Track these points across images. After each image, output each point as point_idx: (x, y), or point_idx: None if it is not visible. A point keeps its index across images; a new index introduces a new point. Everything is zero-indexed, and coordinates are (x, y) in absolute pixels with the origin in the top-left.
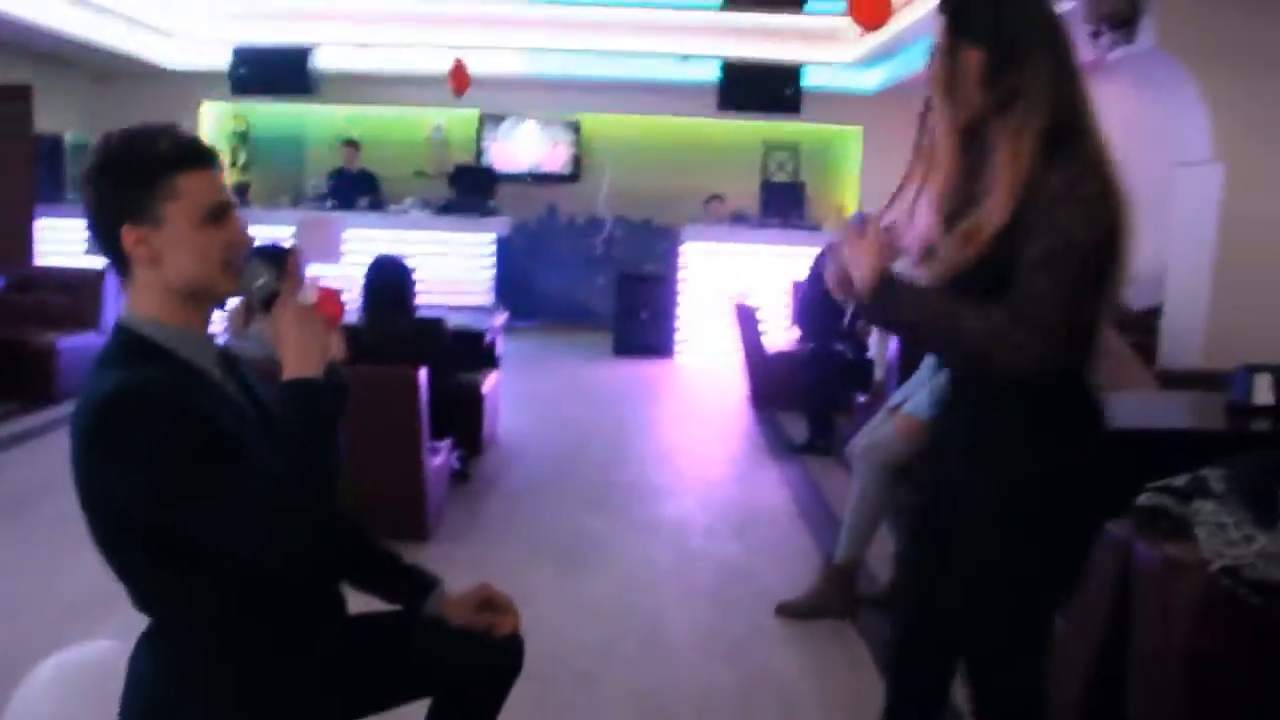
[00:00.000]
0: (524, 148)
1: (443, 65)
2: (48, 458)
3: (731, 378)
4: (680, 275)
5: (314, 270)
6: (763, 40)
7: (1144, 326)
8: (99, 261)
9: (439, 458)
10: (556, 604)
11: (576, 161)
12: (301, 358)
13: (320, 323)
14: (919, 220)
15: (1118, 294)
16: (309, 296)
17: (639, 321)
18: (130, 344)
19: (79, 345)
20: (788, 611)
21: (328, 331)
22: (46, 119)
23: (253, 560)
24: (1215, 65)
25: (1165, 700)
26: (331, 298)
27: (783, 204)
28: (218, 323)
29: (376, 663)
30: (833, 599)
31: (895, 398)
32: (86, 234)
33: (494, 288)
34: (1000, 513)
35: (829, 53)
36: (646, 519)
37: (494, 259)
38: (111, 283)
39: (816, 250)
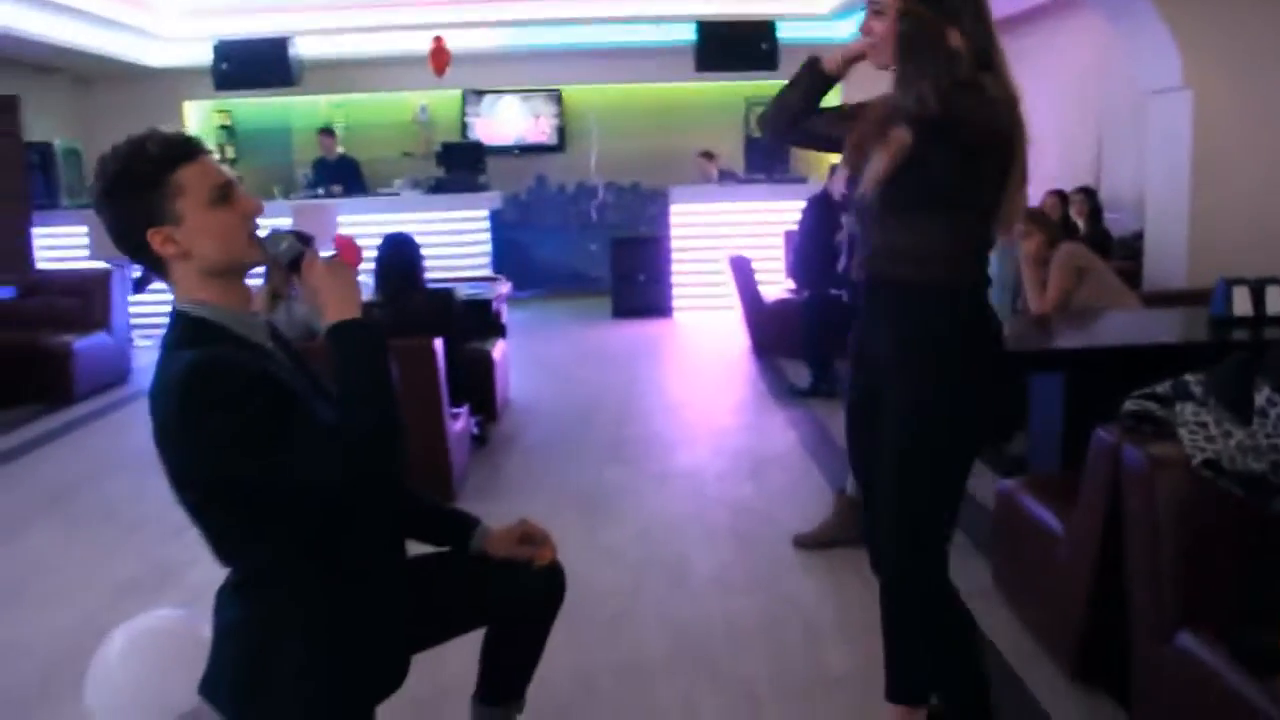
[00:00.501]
0: (508, 121)
1: (422, 46)
2: (77, 454)
3: (732, 331)
4: (673, 235)
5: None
6: None
7: (1130, 250)
8: (101, 263)
9: (459, 423)
10: (584, 551)
11: (561, 131)
12: (340, 302)
13: (348, 268)
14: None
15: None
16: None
17: (636, 283)
18: (188, 327)
19: (93, 345)
20: (804, 543)
21: (354, 276)
22: (35, 128)
23: (335, 484)
24: None
25: (1159, 590)
26: (349, 245)
27: (767, 159)
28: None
29: (436, 597)
30: (846, 529)
31: None
32: (96, 245)
33: (491, 261)
34: (903, 392)
35: (800, 5)
36: (662, 469)
37: (488, 233)
38: (119, 282)
39: (804, 202)
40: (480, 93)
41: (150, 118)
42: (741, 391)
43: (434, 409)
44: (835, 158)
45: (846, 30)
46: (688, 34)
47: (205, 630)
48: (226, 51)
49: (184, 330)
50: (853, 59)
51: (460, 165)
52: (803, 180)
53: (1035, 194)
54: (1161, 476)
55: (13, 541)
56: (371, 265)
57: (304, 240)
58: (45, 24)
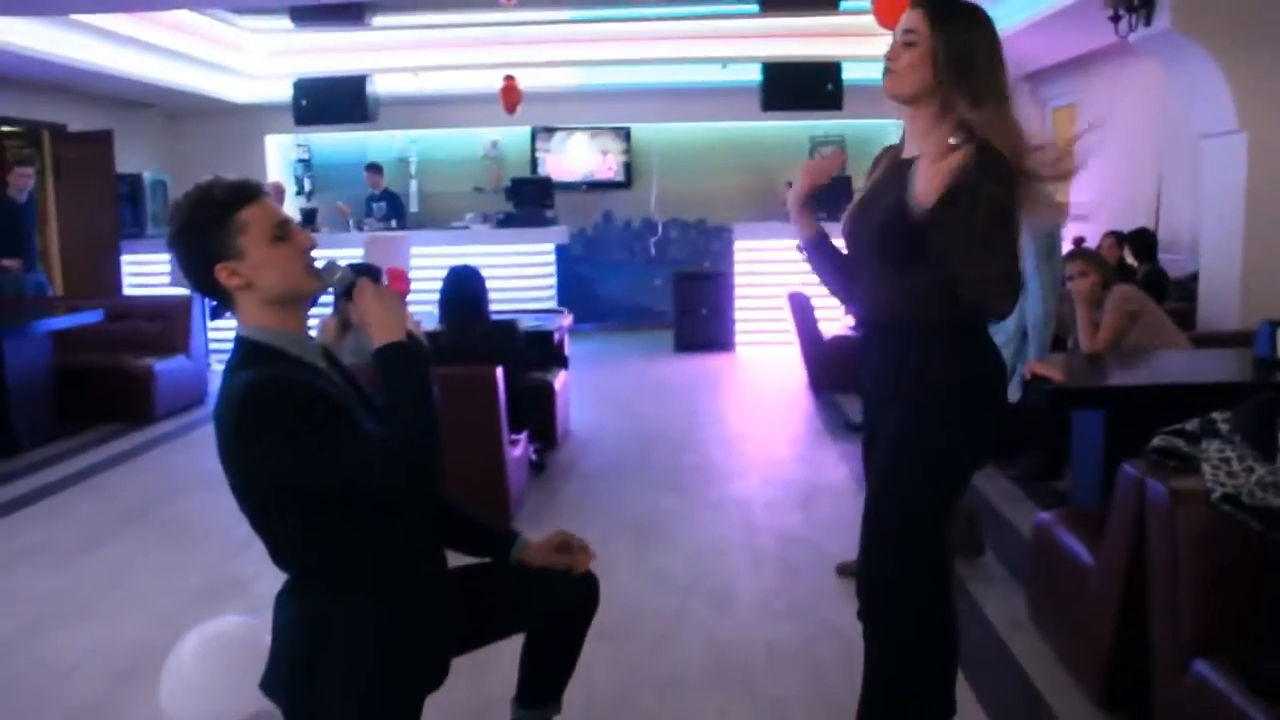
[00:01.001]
0: (576, 158)
1: (494, 84)
2: (156, 470)
3: (792, 366)
4: (736, 271)
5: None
6: (801, 40)
7: (1186, 292)
8: (183, 290)
9: (518, 449)
10: (635, 574)
11: (628, 168)
12: (386, 327)
13: (396, 296)
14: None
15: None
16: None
17: (698, 318)
18: (251, 351)
19: (173, 368)
20: (847, 571)
21: (401, 303)
22: (126, 160)
23: (380, 488)
24: (1231, 41)
25: (1177, 620)
26: (400, 276)
27: (831, 198)
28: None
29: (477, 603)
30: None
31: None
32: (176, 272)
33: (556, 294)
34: (899, 426)
35: (864, 47)
36: (715, 498)
37: (554, 266)
38: (198, 309)
39: None
40: (550, 129)
41: (234, 151)
42: (798, 425)
43: (493, 434)
44: None
45: None
46: (754, 75)
47: (268, 636)
48: (306, 89)
49: (245, 354)
50: (805, 197)
51: (529, 200)
52: None
53: (1093, 236)
54: (1182, 510)
55: (95, 551)
56: (436, 296)
57: (363, 272)
58: (140, 64)
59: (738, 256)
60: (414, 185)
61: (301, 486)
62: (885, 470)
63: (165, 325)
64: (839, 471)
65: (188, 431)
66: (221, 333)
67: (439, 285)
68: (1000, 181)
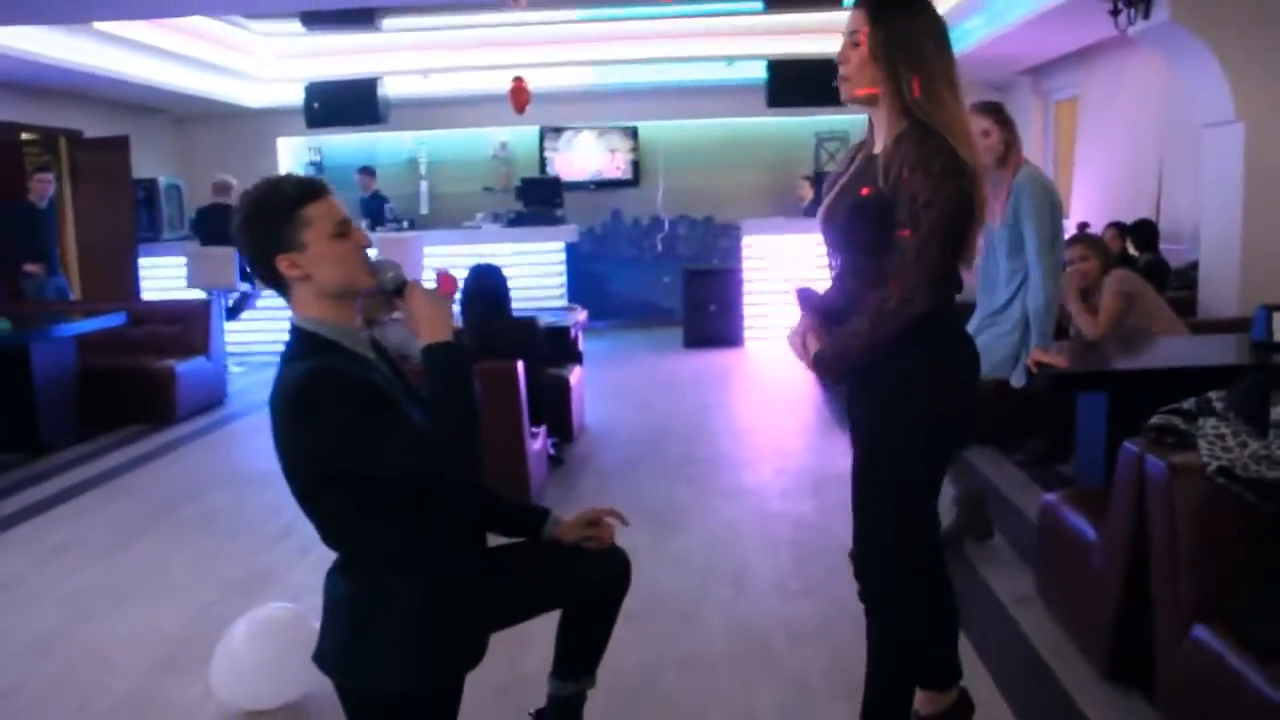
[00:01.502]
0: (585, 157)
1: (503, 85)
2: (182, 468)
3: (799, 360)
4: (745, 267)
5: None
6: (806, 37)
7: (1187, 280)
8: (199, 294)
9: (537, 442)
10: (655, 560)
11: (635, 167)
12: (434, 326)
13: (445, 297)
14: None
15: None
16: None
17: (707, 314)
18: (305, 340)
19: (194, 369)
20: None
21: (449, 304)
22: (140, 165)
23: (424, 474)
24: (1228, 32)
25: (1177, 587)
26: (447, 277)
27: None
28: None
29: (515, 581)
30: None
31: None
32: (193, 274)
33: (566, 292)
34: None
35: None
36: (728, 487)
37: (564, 264)
38: (217, 311)
39: None
40: (558, 129)
41: (245, 154)
42: (807, 417)
43: (515, 427)
44: None
45: None
46: (759, 72)
47: (314, 622)
48: (318, 92)
49: (301, 343)
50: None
51: (538, 199)
52: None
53: (1097, 225)
54: (1179, 483)
55: (128, 547)
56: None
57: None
58: (152, 69)
59: (745, 252)
60: (424, 186)
61: (350, 472)
62: (863, 458)
63: (185, 327)
64: (849, 460)
65: (209, 431)
66: (238, 335)
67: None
68: (950, 173)
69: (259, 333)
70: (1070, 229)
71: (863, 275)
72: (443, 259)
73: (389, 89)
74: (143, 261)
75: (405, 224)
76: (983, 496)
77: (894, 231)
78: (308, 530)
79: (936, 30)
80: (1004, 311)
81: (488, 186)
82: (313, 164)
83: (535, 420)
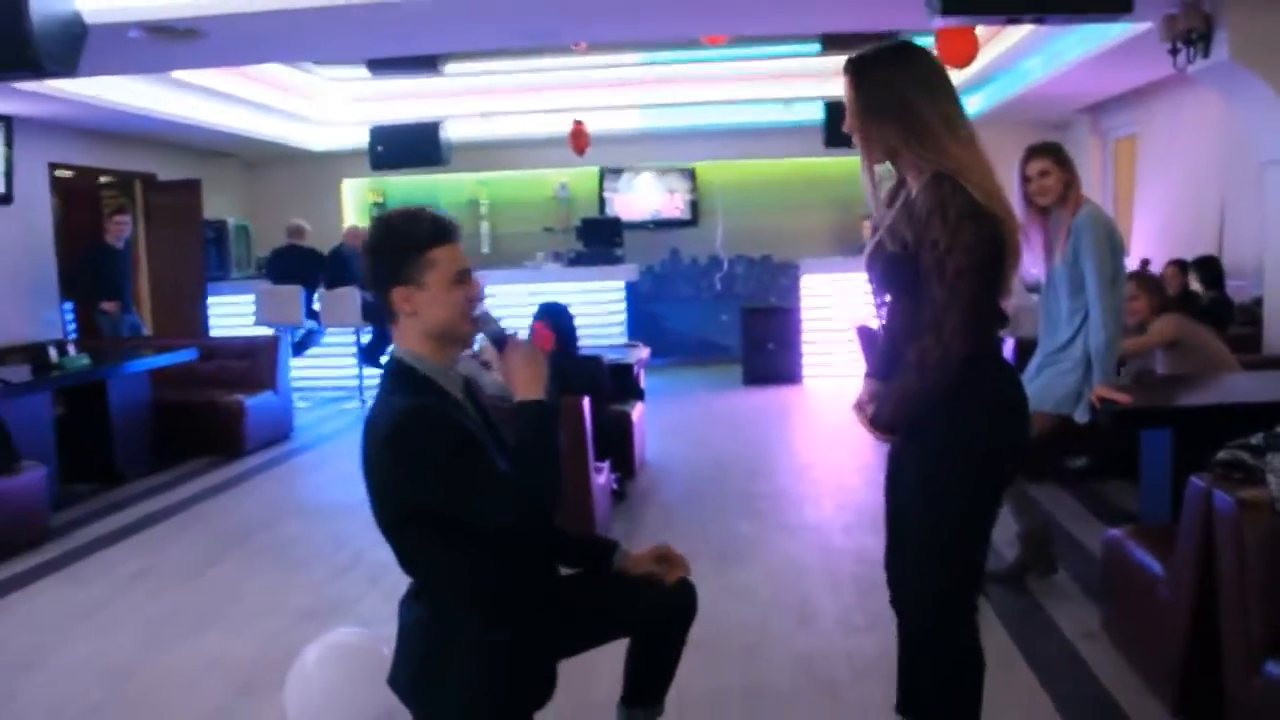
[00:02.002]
0: (643, 197)
1: (561, 127)
2: (251, 499)
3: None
4: (804, 305)
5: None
6: None
7: (1251, 316)
8: (267, 331)
9: (601, 477)
10: (718, 593)
11: (694, 207)
12: (529, 384)
13: (541, 355)
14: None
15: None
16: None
17: (766, 352)
18: (403, 373)
19: (262, 404)
20: None
21: (545, 362)
22: (210, 206)
23: (505, 524)
24: None
25: (1247, 623)
26: (545, 334)
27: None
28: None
29: (582, 611)
30: None
31: None
32: (260, 312)
33: (626, 330)
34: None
35: None
36: (790, 522)
37: (624, 303)
38: (284, 347)
39: None
40: (618, 170)
41: (311, 196)
42: (867, 454)
43: (580, 462)
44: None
45: (971, 106)
46: (817, 113)
47: (385, 648)
48: (382, 135)
49: (399, 375)
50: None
51: (598, 239)
52: None
53: (1158, 263)
54: (1248, 518)
55: (203, 574)
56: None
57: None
58: (224, 114)
59: (804, 291)
60: (485, 226)
61: (436, 511)
62: (913, 503)
63: (253, 363)
64: None
65: (277, 464)
66: (303, 370)
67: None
68: (967, 218)
69: (324, 369)
70: (1132, 266)
71: (906, 323)
72: (504, 298)
73: (451, 132)
74: (211, 299)
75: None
76: (1046, 532)
77: (926, 281)
78: (375, 560)
79: (926, 78)
80: (1066, 350)
81: (548, 227)
82: (376, 204)
83: (600, 455)
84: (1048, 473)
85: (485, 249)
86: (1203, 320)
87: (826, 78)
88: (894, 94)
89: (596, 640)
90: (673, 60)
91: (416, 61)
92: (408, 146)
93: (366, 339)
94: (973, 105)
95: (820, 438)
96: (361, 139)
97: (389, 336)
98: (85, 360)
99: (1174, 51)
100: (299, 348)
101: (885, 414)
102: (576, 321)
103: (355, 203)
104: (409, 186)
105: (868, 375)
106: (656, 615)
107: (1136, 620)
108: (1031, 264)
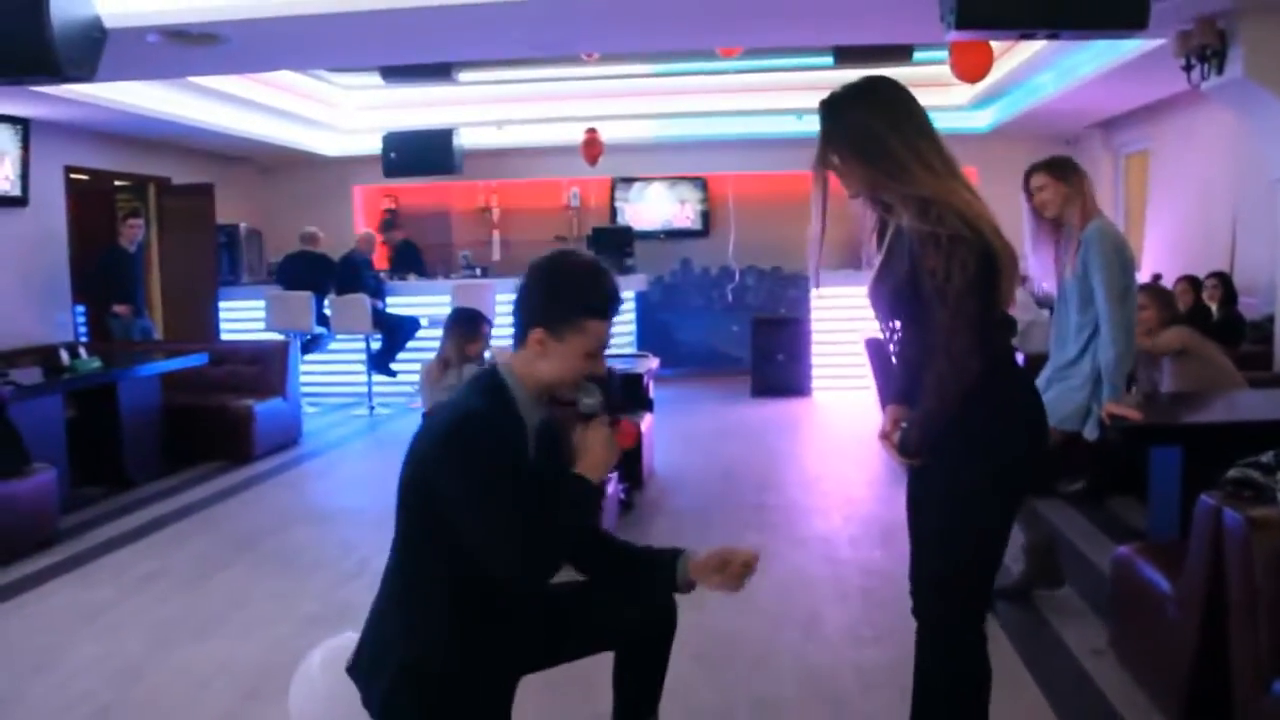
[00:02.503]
0: (655, 207)
1: (573, 136)
2: (260, 505)
3: (867, 411)
4: (814, 317)
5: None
6: None
7: (1262, 334)
8: (277, 335)
9: (610, 487)
10: (726, 605)
11: (705, 217)
12: (596, 466)
13: (616, 447)
14: None
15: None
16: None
17: (775, 364)
18: (495, 385)
19: (272, 410)
20: None
21: (616, 455)
22: (222, 211)
23: (499, 567)
24: None
25: (1257, 642)
26: (630, 433)
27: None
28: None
29: (563, 621)
30: None
31: None
32: (270, 317)
33: (635, 340)
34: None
35: (940, 97)
36: (798, 534)
37: (634, 313)
38: (294, 353)
39: None
40: (629, 180)
41: (323, 201)
42: (875, 467)
43: None
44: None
45: (984, 120)
46: None
47: None
48: (395, 142)
49: (491, 384)
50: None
51: (609, 248)
52: None
53: (1170, 279)
54: (1258, 536)
55: (210, 580)
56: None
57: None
58: (239, 120)
59: (815, 303)
60: (496, 234)
61: (454, 511)
62: (935, 518)
63: (263, 368)
64: None
65: (286, 470)
66: (312, 376)
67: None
68: (957, 240)
69: (333, 375)
70: (1144, 280)
71: (919, 351)
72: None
73: (464, 139)
74: (223, 304)
75: (478, 271)
76: (1052, 545)
77: (929, 306)
78: (380, 568)
79: (890, 111)
80: (1074, 365)
81: (559, 235)
82: (389, 211)
83: None
84: (1046, 492)
85: (496, 256)
86: (1210, 337)
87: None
88: (860, 133)
89: (576, 653)
90: (686, 71)
91: (431, 69)
92: (420, 154)
93: (376, 345)
94: (985, 119)
95: (828, 450)
96: (375, 145)
97: (399, 344)
98: (96, 363)
99: (1188, 68)
100: (305, 348)
101: (913, 441)
102: None
103: (367, 207)
104: (421, 191)
105: (885, 403)
106: (637, 628)
107: (1144, 638)
108: (1043, 277)
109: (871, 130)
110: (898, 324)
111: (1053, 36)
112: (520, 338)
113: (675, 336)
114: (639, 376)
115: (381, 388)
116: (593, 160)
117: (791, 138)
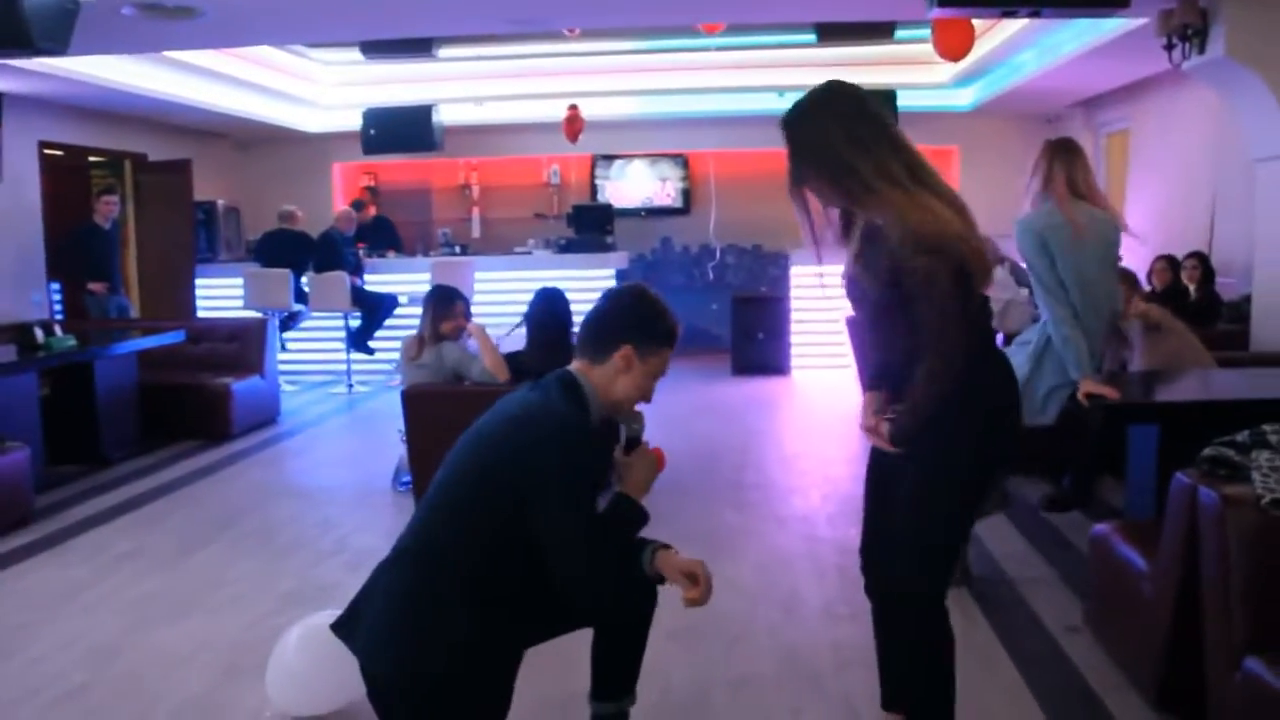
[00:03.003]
0: (636, 185)
1: (556, 113)
2: (238, 484)
3: (846, 389)
4: (793, 295)
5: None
6: (858, 69)
7: (1239, 314)
8: (257, 313)
9: None
10: None
11: (686, 195)
12: (639, 486)
13: (655, 470)
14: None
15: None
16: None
17: (755, 342)
18: (577, 391)
19: (249, 388)
20: None
21: (655, 476)
22: (201, 187)
23: (567, 568)
24: None
25: (1229, 619)
26: (663, 457)
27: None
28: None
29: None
30: None
31: None
32: (249, 295)
33: None
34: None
35: (922, 75)
36: (777, 513)
37: None
38: (272, 331)
39: None
40: (610, 157)
41: (302, 178)
42: (853, 444)
43: None
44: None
45: (966, 98)
46: None
47: None
48: (374, 118)
49: (573, 389)
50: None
51: (590, 226)
52: None
53: (1148, 259)
54: (1233, 514)
55: (187, 558)
56: (507, 318)
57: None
58: (217, 95)
59: (795, 281)
60: (476, 212)
61: (525, 510)
62: (910, 492)
63: (241, 346)
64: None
65: (263, 448)
66: (290, 355)
67: (503, 307)
68: (937, 242)
69: (311, 353)
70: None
71: (908, 345)
72: (494, 284)
73: (443, 116)
74: (200, 281)
75: (457, 249)
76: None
77: (914, 302)
78: (360, 546)
79: (848, 124)
80: (1024, 346)
81: (539, 213)
82: (369, 188)
83: None
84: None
85: (476, 234)
86: (1187, 317)
87: (821, 68)
88: (824, 152)
89: (558, 630)
90: (668, 48)
91: (410, 44)
92: (400, 130)
93: (355, 324)
94: (967, 97)
95: (807, 428)
96: (354, 122)
97: (377, 322)
98: (71, 341)
99: (1169, 47)
100: (283, 324)
101: (907, 431)
102: None
103: (346, 185)
104: (400, 169)
105: (866, 389)
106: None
107: (1119, 615)
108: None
109: (832, 148)
110: (882, 320)
111: (1035, 14)
112: (598, 354)
113: None
114: None
115: (360, 365)
116: (574, 137)
117: (773, 115)
